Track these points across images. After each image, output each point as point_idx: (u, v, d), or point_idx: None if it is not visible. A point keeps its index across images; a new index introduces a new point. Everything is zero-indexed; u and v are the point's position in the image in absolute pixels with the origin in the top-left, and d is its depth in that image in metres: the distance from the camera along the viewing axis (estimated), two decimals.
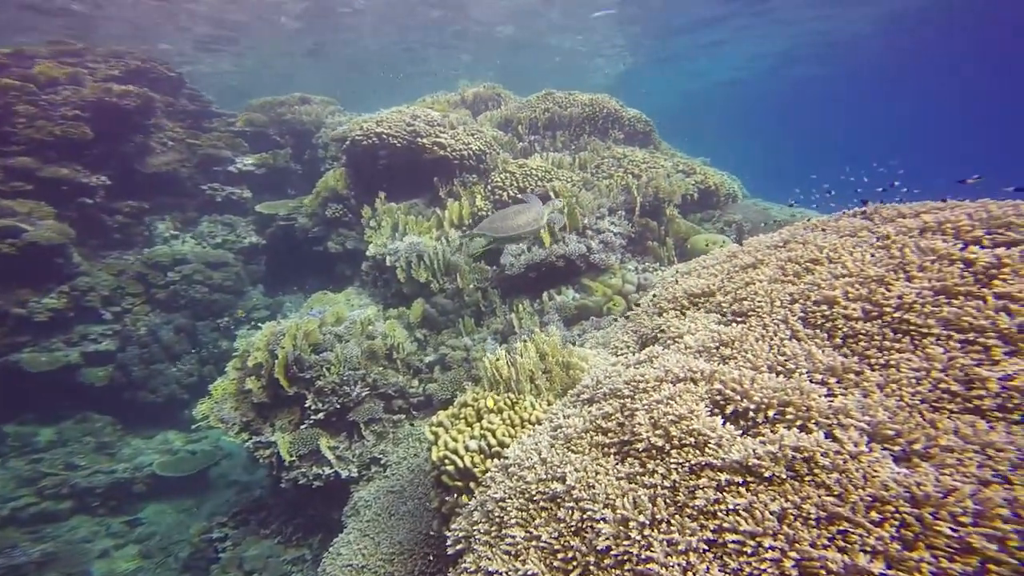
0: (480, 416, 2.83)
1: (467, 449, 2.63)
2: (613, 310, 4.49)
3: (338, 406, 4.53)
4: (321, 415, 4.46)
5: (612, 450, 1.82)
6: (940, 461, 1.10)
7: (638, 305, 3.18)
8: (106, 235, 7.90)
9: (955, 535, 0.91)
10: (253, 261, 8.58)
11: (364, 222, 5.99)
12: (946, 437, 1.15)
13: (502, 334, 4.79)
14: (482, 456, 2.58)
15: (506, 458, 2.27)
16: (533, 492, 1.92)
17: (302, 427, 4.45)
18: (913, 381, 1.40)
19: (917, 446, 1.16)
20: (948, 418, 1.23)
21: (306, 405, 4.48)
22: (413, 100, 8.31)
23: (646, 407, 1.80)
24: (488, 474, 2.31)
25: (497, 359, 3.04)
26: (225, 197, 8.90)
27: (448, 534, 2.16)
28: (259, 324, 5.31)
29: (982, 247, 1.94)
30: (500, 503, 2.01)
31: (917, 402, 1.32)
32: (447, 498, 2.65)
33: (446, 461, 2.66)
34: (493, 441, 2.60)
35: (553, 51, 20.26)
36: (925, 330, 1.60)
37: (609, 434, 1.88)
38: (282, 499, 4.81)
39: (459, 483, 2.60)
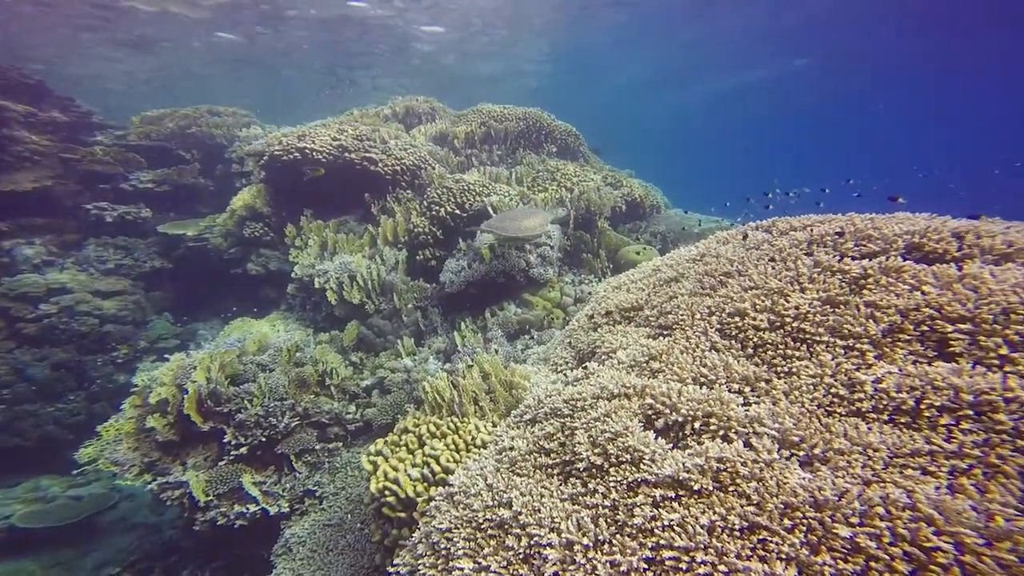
0: (422, 442, 2.77)
1: (409, 478, 2.56)
2: (554, 323, 4.60)
3: (263, 439, 4.21)
4: (244, 449, 4.12)
5: (556, 471, 1.86)
6: (835, 464, 1.27)
7: (579, 319, 3.30)
8: None
9: (848, 536, 1.04)
10: (157, 287, 7.71)
11: (288, 241, 5.62)
12: (838, 440, 1.32)
13: (444, 353, 4.72)
14: (426, 484, 2.52)
15: (451, 485, 2.23)
16: (480, 520, 1.90)
17: (220, 463, 4.08)
18: (811, 387, 1.59)
19: (817, 450, 1.32)
20: (839, 421, 1.41)
21: (225, 440, 4.11)
22: (339, 114, 8.01)
23: (585, 425, 1.87)
24: (433, 503, 2.26)
25: (438, 382, 3.00)
26: (118, 217, 7.90)
27: (391, 570, 2.07)
28: (166, 355, 4.80)
29: (853, 258, 2.26)
30: (446, 534, 1.97)
31: (815, 407, 1.50)
32: (390, 530, 2.55)
33: (386, 492, 2.56)
34: (437, 468, 2.55)
35: (479, 68, 20.48)
36: (817, 338, 1.82)
37: (552, 455, 1.92)
38: (198, 540, 4.34)
39: (402, 514, 2.52)
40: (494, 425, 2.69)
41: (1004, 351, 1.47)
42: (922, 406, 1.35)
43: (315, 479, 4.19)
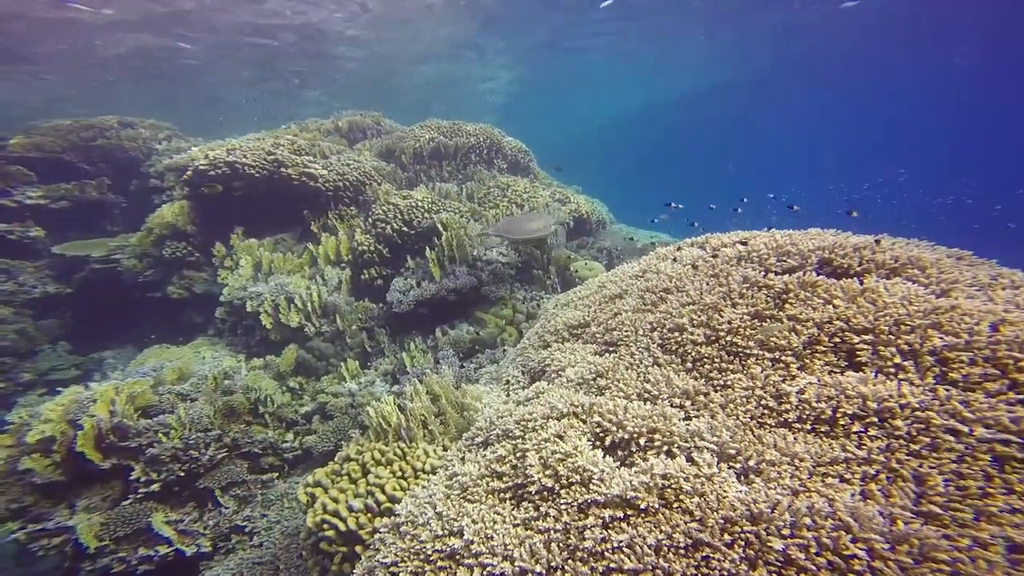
0: (366, 470, 2.64)
1: (351, 510, 2.42)
2: (506, 341, 4.59)
3: (181, 474, 3.83)
4: (156, 486, 3.71)
5: (508, 495, 1.83)
6: (767, 475, 1.35)
7: (529, 337, 3.32)
8: None
9: (781, 549, 1.11)
10: (50, 314, 6.80)
11: (217, 262, 5.21)
12: (770, 452, 1.41)
13: (393, 375, 4.55)
14: (369, 515, 2.40)
15: (397, 515, 2.14)
16: (429, 551, 1.83)
17: (124, 503, 3.64)
18: (744, 399, 1.69)
19: (751, 462, 1.41)
20: (769, 433, 1.51)
21: (132, 477, 3.69)
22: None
23: (536, 447, 1.86)
24: (377, 535, 2.15)
25: (384, 406, 2.88)
26: None
27: None
28: (59, 389, 4.27)
29: (776, 274, 2.45)
30: (391, 568, 1.87)
31: (748, 419, 1.60)
32: (329, 566, 2.40)
33: (325, 526, 2.42)
34: (382, 497, 2.43)
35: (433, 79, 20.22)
36: (748, 351, 1.95)
37: (504, 478, 1.89)
38: None
39: (343, 548, 2.38)
40: (445, 449, 2.62)
41: (898, 360, 1.65)
42: (838, 415, 1.48)
43: (245, 513, 3.86)
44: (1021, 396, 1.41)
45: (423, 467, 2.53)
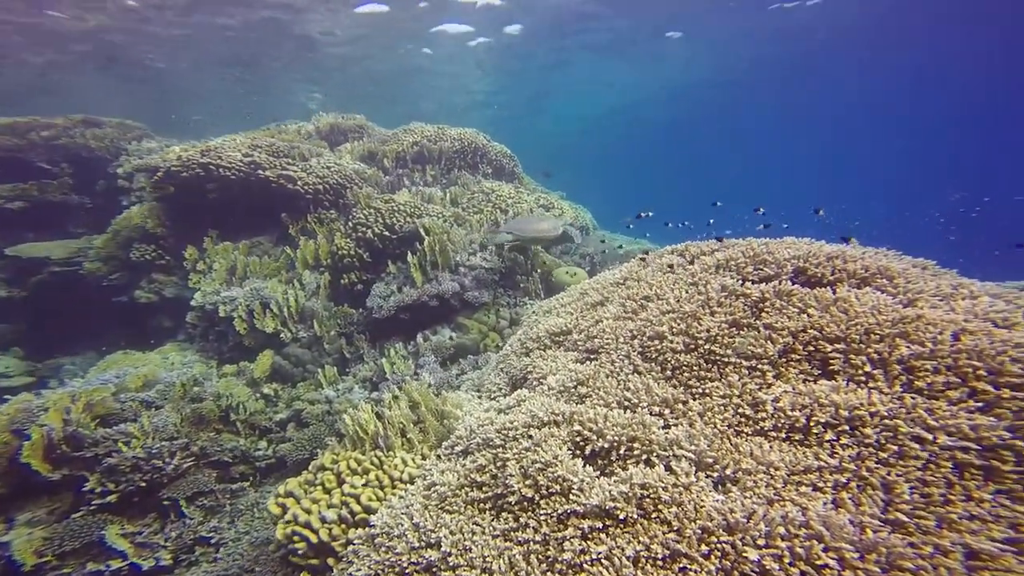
0: (341, 480, 2.58)
1: (324, 521, 2.36)
2: (489, 347, 4.56)
3: (143, 484, 3.65)
4: (112, 497, 3.51)
5: (487, 505, 1.80)
6: (743, 484, 1.37)
7: (512, 344, 3.30)
8: None
9: (756, 560, 1.12)
10: (1, 320, 6.44)
11: (188, 265, 5.03)
12: (746, 460, 1.43)
13: (372, 382, 4.46)
14: (343, 527, 2.34)
15: (373, 526, 2.09)
16: (405, 564, 1.79)
17: (74, 516, 3.45)
18: (722, 407, 1.72)
19: (728, 471, 1.42)
20: (746, 441, 1.53)
21: (85, 488, 3.50)
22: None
23: (516, 456, 1.85)
24: (351, 547, 2.10)
25: (361, 413, 2.82)
26: None
27: None
28: (7, 396, 4.06)
29: (752, 282, 2.50)
30: None
31: (725, 428, 1.62)
32: None
33: (295, 538, 2.35)
34: (357, 508, 2.38)
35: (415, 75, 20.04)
36: (726, 359, 1.98)
37: (484, 488, 1.86)
38: None
39: (314, 561, 2.32)
40: (423, 458, 2.58)
41: (868, 368, 1.70)
42: (811, 423, 1.51)
43: (211, 524, 3.70)
44: (979, 404, 1.46)
45: (401, 476, 2.48)
